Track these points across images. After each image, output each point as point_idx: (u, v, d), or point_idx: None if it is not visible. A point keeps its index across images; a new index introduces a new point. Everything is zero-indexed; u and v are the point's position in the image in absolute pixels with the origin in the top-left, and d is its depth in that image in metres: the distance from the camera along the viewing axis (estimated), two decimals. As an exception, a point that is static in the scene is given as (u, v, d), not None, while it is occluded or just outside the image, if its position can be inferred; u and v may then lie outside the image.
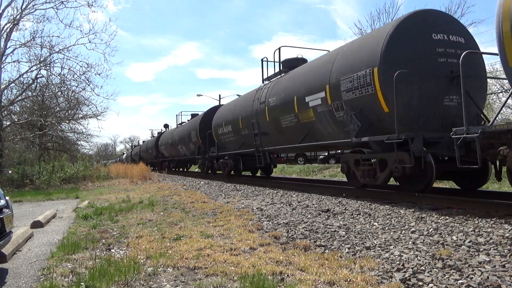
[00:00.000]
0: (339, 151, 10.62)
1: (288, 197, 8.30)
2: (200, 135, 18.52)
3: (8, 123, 19.25)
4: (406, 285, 2.99)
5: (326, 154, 19.36)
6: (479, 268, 3.17)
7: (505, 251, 3.54)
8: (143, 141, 46.59)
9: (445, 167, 7.05)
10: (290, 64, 11.71)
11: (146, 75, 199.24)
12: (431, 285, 2.94)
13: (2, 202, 3.82)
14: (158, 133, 36.08)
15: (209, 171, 19.18)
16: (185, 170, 30.28)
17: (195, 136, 19.47)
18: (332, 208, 6.47)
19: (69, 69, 18.73)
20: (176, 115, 28.03)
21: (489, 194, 7.21)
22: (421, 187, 6.80)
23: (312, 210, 6.47)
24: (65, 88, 20.18)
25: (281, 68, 12.08)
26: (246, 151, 13.72)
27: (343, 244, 4.26)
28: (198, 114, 23.01)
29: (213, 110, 18.35)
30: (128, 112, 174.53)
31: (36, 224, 6.19)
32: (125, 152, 74.66)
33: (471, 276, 3.04)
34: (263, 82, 12.98)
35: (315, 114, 8.99)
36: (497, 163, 6.25)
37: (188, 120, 25.26)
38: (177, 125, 27.30)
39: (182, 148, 22.83)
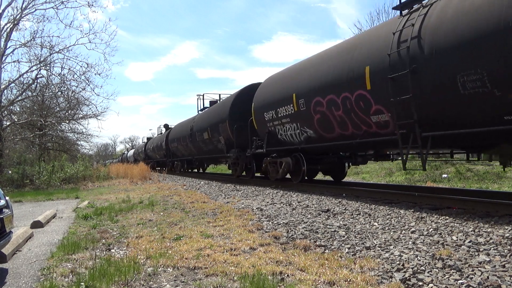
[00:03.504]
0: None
1: (288, 197, 8.29)
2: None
3: (8, 123, 19.23)
4: (406, 285, 2.99)
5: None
6: (479, 268, 3.17)
7: (505, 251, 3.54)
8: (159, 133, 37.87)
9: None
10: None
11: (145, 75, 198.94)
12: (431, 285, 2.94)
13: (2, 202, 3.82)
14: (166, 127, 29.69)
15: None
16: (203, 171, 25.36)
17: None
18: (332, 208, 6.47)
19: (69, 69, 18.75)
20: (198, 98, 20.68)
21: (489, 194, 7.21)
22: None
23: (312, 210, 6.47)
24: (65, 88, 20.17)
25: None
26: None
27: (343, 244, 4.27)
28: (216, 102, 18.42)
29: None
30: (128, 112, 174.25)
31: (36, 224, 6.19)
32: (125, 152, 65.78)
33: (471, 276, 3.04)
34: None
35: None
36: None
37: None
38: (198, 111, 20.69)
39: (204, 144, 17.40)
